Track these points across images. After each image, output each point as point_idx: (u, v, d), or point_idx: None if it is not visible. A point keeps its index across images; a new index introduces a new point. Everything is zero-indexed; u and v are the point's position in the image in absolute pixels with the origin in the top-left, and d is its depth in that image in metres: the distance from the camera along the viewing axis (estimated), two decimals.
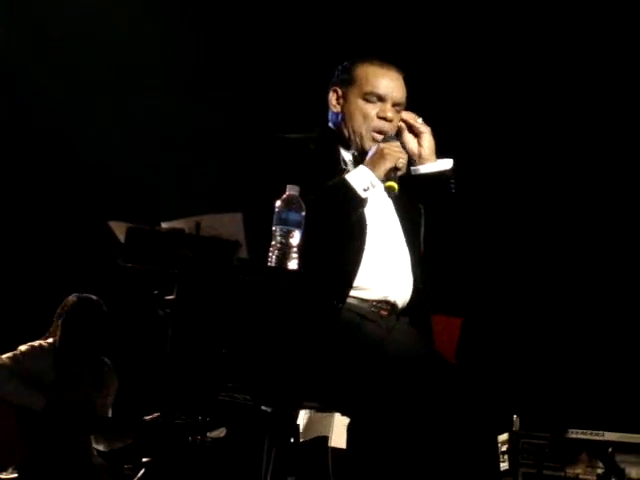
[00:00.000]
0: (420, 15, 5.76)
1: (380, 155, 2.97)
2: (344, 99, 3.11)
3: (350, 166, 3.08)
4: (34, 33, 5.72)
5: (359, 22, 5.67)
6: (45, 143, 5.82)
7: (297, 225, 2.65)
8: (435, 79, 5.63)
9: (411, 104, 3.14)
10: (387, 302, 2.95)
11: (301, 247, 2.64)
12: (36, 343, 4.66)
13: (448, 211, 3.09)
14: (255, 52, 5.81)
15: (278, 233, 2.65)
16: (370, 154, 3.00)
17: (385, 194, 3.05)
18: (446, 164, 3.11)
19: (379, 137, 3.06)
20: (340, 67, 3.16)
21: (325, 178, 2.98)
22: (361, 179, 2.93)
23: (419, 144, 3.11)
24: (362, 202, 2.94)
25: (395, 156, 2.97)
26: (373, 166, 2.95)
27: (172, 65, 5.80)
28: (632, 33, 5.59)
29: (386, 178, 2.96)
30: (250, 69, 5.81)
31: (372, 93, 3.07)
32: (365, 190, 2.92)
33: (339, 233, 2.91)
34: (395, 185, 2.96)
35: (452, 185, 3.09)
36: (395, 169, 2.97)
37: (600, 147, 5.71)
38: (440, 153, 3.12)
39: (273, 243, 2.65)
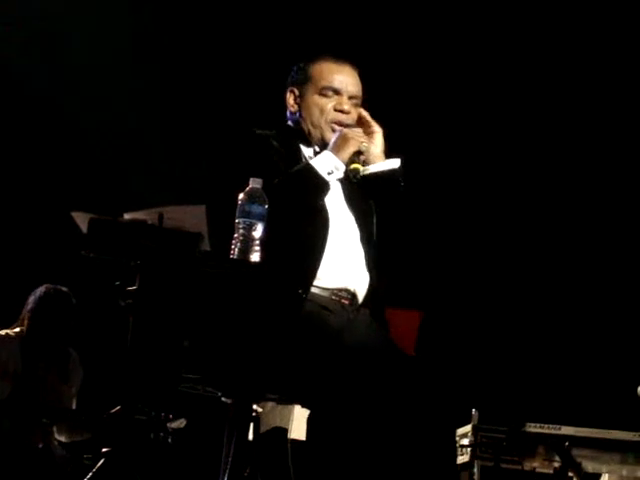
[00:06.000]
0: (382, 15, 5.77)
1: (343, 139, 3.01)
2: (301, 98, 3.15)
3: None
4: None
5: (318, 23, 5.66)
6: (13, 131, 5.78)
7: (260, 218, 2.67)
8: (419, 77, 5.65)
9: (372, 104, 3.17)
10: (347, 291, 2.97)
11: (264, 238, 2.66)
12: (2, 332, 4.64)
13: (398, 209, 3.13)
14: (222, 51, 5.80)
15: (241, 226, 2.66)
16: (333, 140, 3.03)
17: (339, 190, 3.07)
18: (394, 163, 3.14)
19: (338, 128, 3.08)
20: (294, 68, 3.21)
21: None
22: (325, 163, 2.96)
23: (370, 142, 3.12)
24: (326, 186, 2.96)
25: (358, 140, 3.01)
26: (337, 150, 2.99)
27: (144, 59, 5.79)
28: (630, 33, 5.61)
29: (350, 162, 3.00)
30: (217, 66, 5.80)
31: (327, 87, 3.12)
32: (329, 174, 2.95)
33: (303, 218, 2.93)
34: (360, 167, 3.02)
35: (401, 184, 3.13)
36: (358, 153, 3.01)
37: (585, 145, 5.72)
38: (394, 153, 3.15)
39: (236, 235, 2.66)
